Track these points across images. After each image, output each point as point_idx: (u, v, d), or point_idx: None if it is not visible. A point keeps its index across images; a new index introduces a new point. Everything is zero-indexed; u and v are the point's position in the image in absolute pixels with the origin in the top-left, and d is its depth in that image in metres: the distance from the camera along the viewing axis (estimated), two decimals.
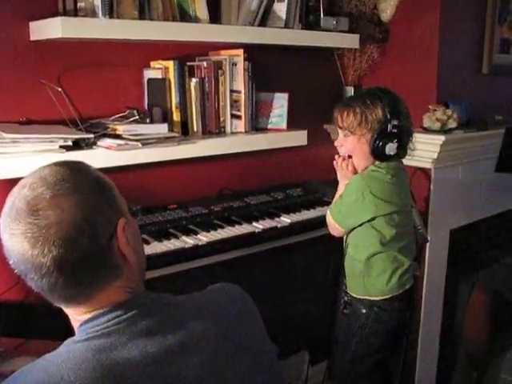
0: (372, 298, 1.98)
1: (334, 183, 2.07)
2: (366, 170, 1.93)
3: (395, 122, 1.83)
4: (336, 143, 1.99)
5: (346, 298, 2.13)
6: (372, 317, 1.97)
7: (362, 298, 2.00)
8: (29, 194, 0.89)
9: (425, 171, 2.60)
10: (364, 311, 1.98)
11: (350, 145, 1.92)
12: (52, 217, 0.87)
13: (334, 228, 1.99)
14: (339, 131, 1.95)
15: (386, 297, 1.97)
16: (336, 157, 1.99)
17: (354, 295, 2.04)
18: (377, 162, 1.91)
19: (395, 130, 1.83)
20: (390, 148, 1.84)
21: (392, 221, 1.92)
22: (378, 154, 1.87)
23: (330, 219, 2.00)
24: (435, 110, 2.55)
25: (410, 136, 1.93)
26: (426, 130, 2.55)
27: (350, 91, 2.74)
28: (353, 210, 1.90)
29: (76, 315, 0.95)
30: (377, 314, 1.97)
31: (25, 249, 0.87)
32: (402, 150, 1.92)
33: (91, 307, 0.94)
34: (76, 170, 0.95)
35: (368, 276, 1.96)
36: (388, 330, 2.01)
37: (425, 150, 2.52)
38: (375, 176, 1.89)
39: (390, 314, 1.99)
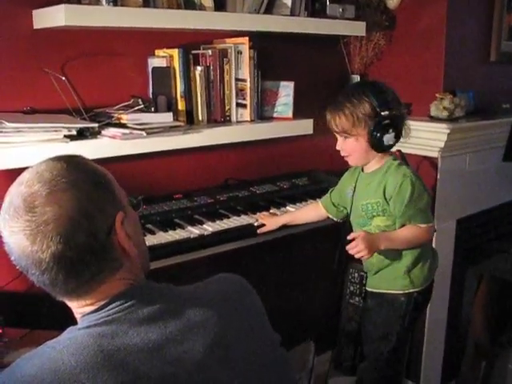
0: (415, 290, 1.99)
1: (340, 172, 2.05)
2: (390, 167, 1.90)
3: (385, 113, 1.82)
4: (337, 147, 1.96)
5: (352, 288, 2.12)
6: (412, 304, 2.00)
7: (402, 292, 1.99)
8: (25, 191, 0.89)
9: (431, 160, 2.58)
10: (403, 299, 1.99)
11: (350, 146, 1.91)
12: (49, 213, 0.87)
13: (429, 232, 1.92)
14: (337, 135, 1.94)
15: (426, 285, 2.02)
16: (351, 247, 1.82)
17: (389, 291, 2.02)
18: (390, 156, 1.93)
19: (388, 121, 1.82)
20: (388, 139, 1.85)
21: None
22: (378, 147, 1.87)
23: (418, 229, 1.89)
24: (442, 99, 2.53)
25: (403, 122, 1.91)
26: (433, 119, 2.53)
27: (356, 79, 2.72)
28: (428, 202, 1.92)
29: (78, 308, 0.96)
30: (415, 300, 2.00)
31: (24, 245, 0.87)
32: (398, 138, 1.90)
33: (93, 299, 0.94)
34: (73, 164, 0.95)
35: (414, 270, 1.97)
36: (419, 316, 2.10)
37: (432, 138, 2.50)
38: (407, 169, 1.91)
39: (423, 301, 2.05)
